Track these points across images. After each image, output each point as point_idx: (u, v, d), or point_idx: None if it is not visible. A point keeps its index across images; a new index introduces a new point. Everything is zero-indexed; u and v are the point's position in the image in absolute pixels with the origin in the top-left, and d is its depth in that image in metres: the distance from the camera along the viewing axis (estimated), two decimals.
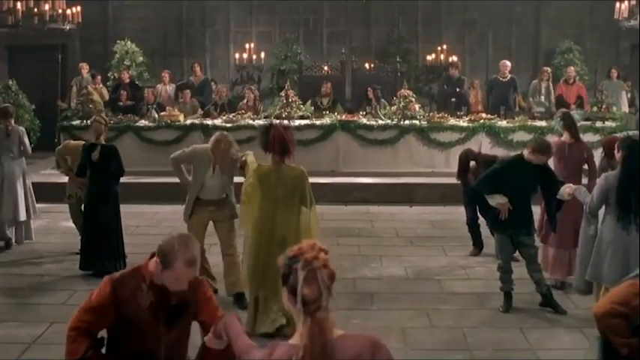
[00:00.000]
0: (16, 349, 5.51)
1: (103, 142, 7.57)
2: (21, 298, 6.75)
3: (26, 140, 8.66)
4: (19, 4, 10.06)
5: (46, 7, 10.29)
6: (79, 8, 11.02)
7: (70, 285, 7.08)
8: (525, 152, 6.37)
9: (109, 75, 14.94)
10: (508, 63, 13.27)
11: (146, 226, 8.92)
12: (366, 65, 14.81)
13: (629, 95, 14.31)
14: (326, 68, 14.61)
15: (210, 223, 6.74)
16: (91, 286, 6.96)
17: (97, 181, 7.49)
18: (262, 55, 14.95)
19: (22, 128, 8.81)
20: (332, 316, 2.27)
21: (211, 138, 6.60)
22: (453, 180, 11.13)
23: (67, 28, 10.94)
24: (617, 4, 10.61)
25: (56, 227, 9.40)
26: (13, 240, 8.55)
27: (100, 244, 7.40)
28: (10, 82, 11.98)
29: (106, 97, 13.56)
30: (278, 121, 6.61)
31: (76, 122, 12.05)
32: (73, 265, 7.64)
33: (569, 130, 7.12)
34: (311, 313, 2.23)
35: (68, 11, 10.72)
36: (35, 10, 10.47)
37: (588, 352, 5.50)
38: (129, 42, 15.23)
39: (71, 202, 8.28)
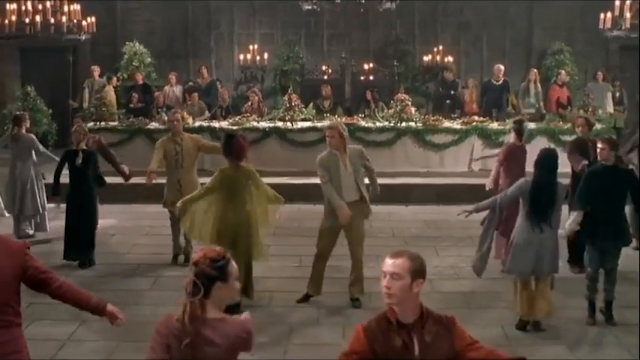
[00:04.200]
0: (53, 345, 6.20)
1: (84, 148, 8.49)
2: (49, 297, 7.40)
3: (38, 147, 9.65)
4: (37, 17, 10.64)
5: (63, 19, 10.88)
6: (93, 19, 11.62)
7: (93, 285, 7.70)
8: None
9: (118, 76, 15.57)
10: (502, 67, 13.92)
11: (160, 227, 9.56)
12: (365, 66, 15.45)
13: (617, 95, 14.95)
14: (325, 68, 15.26)
15: None
16: (111, 286, 7.70)
17: (78, 182, 8.42)
18: (265, 56, 15.62)
19: (31, 136, 9.75)
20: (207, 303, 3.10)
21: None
22: (447, 180, 11.90)
23: (83, 38, 11.57)
24: (602, 15, 11.19)
25: None
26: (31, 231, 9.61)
27: (81, 237, 8.36)
28: (29, 89, 12.62)
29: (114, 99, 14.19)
30: (239, 133, 7.58)
31: (90, 124, 12.70)
32: (96, 264, 8.38)
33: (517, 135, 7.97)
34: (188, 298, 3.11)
35: (84, 22, 11.31)
36: (52, 20, 11.04)
37: (562, 350, 6.21)
38: (137, 43, 15.86)
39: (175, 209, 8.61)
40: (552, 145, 11.92)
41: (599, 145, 6.77)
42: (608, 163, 6.71)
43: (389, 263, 3.20)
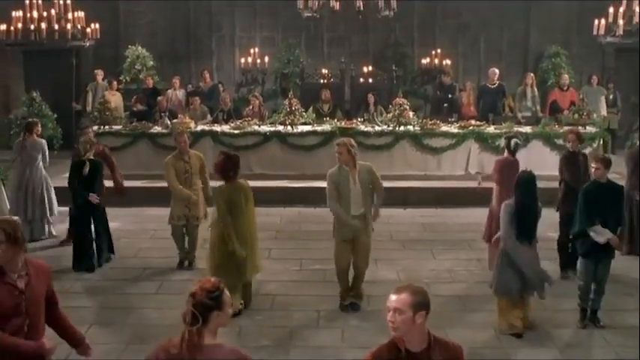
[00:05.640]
0: (64, 348, 6.39)
1: (91, 158, 8.82)
2: (60, 301, 7.60)
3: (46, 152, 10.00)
4: (43, 25, 10.87)
5: (68, 26, 11.11)
6: (97, 25, 11.85)
7: (102, 289, 8.02)
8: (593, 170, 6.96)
9: (120, 78, 15.82)
10: (496, 71, 14.16)
11: (164, 230, 9.78)
12: (364, 69, 15.69)
13: (611, 97, 15.21)
14: (325, 71, 15.50)
15: None
16: (118, 290, 7.95)
17: (87, 191, 8.71)
18: (266, 59, 15.84)
19: (42, 140, 10.06)
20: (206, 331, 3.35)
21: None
22: (445, 183, 12.15)
23: (87, 45, 11.80)
24: (596, 21, 11.43)
25: None
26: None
27: (89, 245, 8.70)
28: (35, 94, 12.85)
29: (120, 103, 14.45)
30: (226, 152, 7.70)
31: (94, 128, 12.90)
32: (103, 269, 8.70)
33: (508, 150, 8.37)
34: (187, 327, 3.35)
35: (88, 29, 11.54)
36: (56, 27, 11.27)
37: (553, 353, 6.46)
38: (139, 47, 16.10)
39: (181, 223, 8.69)
40: (548, 149, 12.37)
41: (594, 165, 6.95)
42: (602, 181, 6.88)
43: (392, 299, 3.40)
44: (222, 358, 3.34)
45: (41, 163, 9.94)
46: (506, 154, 8.41)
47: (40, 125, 10.22)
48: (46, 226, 10.14)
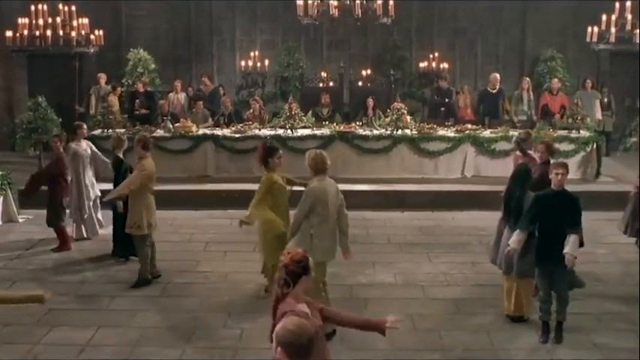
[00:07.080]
0: (74, 350, 6.69)
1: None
2: (68, 304, 7.88)
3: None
4: (48, 32, 11.10)
5: (73, 33, 11.34)
6: (101, 32, 12.08)
7: (108, 291, 8.25)
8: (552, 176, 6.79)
9: (122, 81, 16.02)
10: (498, 76, 14.40)
11: (166, 233, 10.01)
12: (363, 73, 15.93)
13: (605, 100, 15.44)
14: (324, 75, 15.72)
15: None
16: (123, 293, 8.19)
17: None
18: (266, 62, 16.07)
19: (70, 145, 10.16)
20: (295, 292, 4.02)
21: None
22: (441, 187, 12.39)
23: (91, 51, 12.03)
24: (589, 29, 11.67)
25: None
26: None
27: (127, 237, 8.87)
28: (40, 99, 13.04)
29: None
30: (265, 141, 8.40)
31: (98, 132, 13.13)
32: (108, 271, 8.91)
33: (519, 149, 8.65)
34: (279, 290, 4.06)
35: (92, 36, 11.77)
36: (61, 33, 11.50)
37: (543, 354, 6.70)
38: (141, 50, 16.32)
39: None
40: None
41: (560, 171, 6.68)
42: (557, 188, 6.67)
43: None
44: (282, 310, 3.93)
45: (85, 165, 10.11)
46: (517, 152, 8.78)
47: (84, 127, 10.25)
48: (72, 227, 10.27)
